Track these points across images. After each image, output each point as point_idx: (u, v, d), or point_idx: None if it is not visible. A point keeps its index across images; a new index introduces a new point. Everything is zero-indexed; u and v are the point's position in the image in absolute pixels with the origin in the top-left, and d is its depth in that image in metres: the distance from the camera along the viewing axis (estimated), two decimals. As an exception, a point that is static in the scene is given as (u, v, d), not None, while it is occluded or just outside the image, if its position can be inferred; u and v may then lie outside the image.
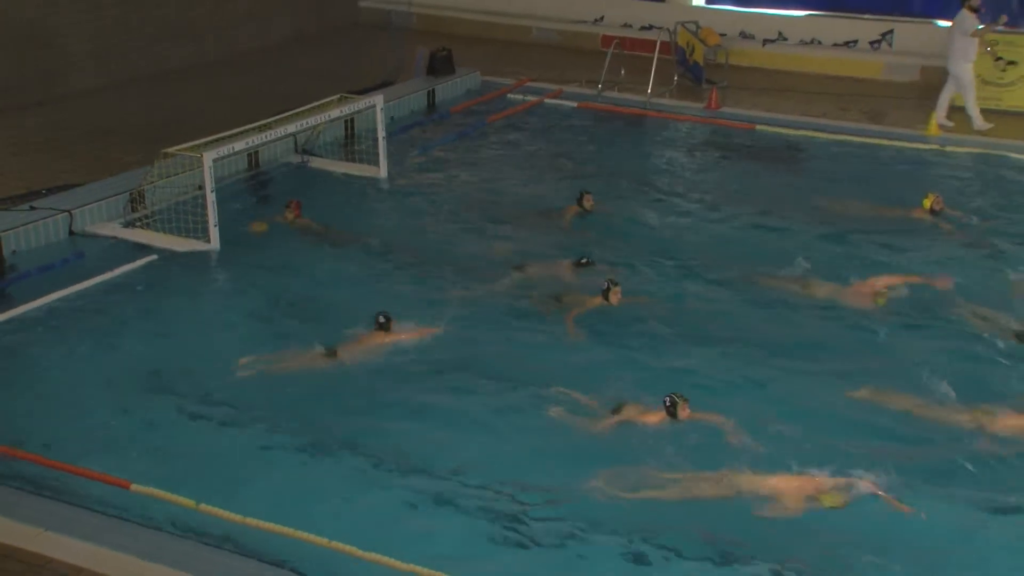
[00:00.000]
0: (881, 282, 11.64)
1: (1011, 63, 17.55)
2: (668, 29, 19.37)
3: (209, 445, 8.68)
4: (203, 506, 7.57)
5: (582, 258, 12.04)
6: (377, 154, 14.41)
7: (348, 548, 7.16)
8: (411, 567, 6.99)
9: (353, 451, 8.60)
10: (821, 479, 8.30)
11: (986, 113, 17.07)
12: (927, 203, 13.64)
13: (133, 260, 11.58)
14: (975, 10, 16.18)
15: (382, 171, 14.40)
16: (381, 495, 8.10)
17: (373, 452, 8.57)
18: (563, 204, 13.81)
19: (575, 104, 18.03)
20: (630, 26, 20.89)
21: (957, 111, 16.86)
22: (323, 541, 7.23)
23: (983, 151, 16.04)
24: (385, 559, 7.06)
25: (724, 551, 7.58)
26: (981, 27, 16.26)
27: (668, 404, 9.14)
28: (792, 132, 16.78)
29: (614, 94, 18.27)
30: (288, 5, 21.23)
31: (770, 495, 8.30)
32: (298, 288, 11.49)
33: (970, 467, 8.56)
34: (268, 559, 7.05)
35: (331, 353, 9.87)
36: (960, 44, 16.38)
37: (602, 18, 21.34)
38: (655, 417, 9.19)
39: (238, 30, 20.00)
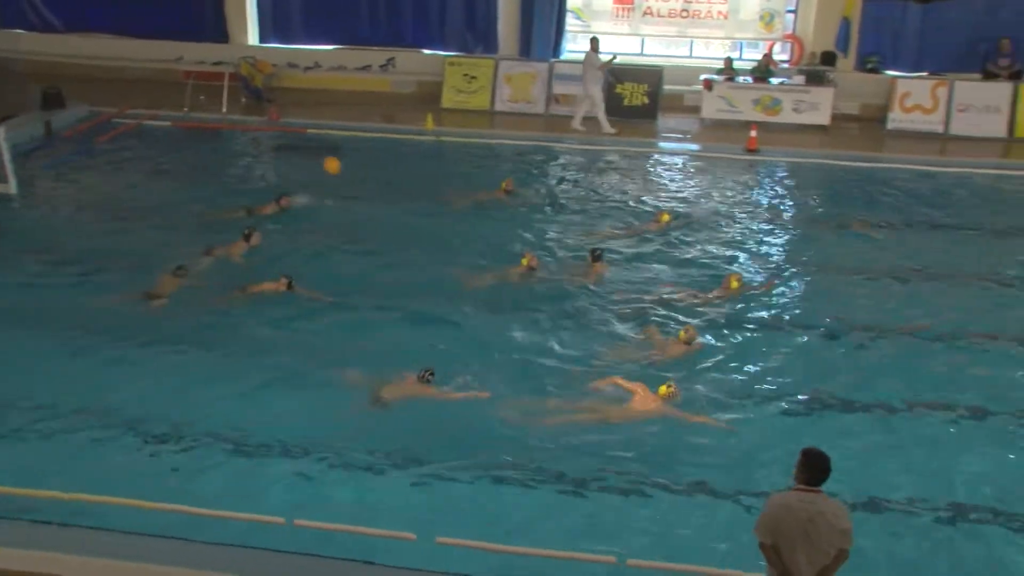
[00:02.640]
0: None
1: (474, 78, 19.24)
2: (233, 63, 19.55)
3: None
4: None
5: (246, 228, 11.78)
6: (6, 174, 13.77)
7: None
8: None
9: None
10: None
11: (457, 113, 18.65)
12: (504, 185, 13.92)
13: None
14: (597, 50, 17.33)
15: (12, 188, 13.83)
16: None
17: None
18: (170, 201, 13.63)
19: (169, 123, 17.81)
20: (204, 62, 20.50)
21: (587, 120, 17.67)
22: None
23: (465, 140, 17.05)
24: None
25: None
26: (603, 61, 17.27)
27: (426, 375, 8.49)
28: (334, 132, 17.19)
29: (199, 114, 18.19)
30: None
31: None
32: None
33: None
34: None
35: None
36: (591, 74, 17.29)
37: (182, 57, 20.74)
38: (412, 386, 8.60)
39: None
